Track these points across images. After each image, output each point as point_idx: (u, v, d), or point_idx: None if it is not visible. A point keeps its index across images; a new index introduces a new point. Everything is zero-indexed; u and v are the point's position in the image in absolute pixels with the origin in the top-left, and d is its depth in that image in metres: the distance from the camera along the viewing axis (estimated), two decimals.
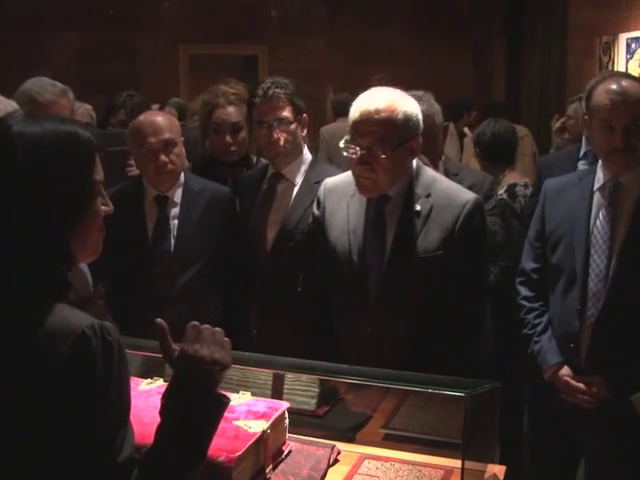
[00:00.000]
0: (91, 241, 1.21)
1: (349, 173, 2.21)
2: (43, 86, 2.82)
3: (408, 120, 2.00)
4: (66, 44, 7.38)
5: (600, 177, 2.23)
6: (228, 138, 2.92)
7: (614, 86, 2.13)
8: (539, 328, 2.30)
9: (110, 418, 1.10)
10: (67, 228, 1.14)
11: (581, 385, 2.20)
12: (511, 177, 3.30)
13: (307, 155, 2.62)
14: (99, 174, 1.21)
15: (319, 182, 2.49)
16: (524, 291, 2.36)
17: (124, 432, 1.11)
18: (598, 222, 2.19)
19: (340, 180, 2.24)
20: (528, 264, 2.36)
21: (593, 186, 2.23)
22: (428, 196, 2.08)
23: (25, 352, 1.08)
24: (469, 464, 1.62)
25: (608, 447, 2.24)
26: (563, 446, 2.36)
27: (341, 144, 2.05)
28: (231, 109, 2.92)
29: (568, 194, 2.29)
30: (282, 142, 2.48)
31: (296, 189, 2.56)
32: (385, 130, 1.97)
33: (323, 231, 2.20)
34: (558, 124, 4.18)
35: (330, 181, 2.27)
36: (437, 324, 2.06)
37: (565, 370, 2.24)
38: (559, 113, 4.38)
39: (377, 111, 1.97)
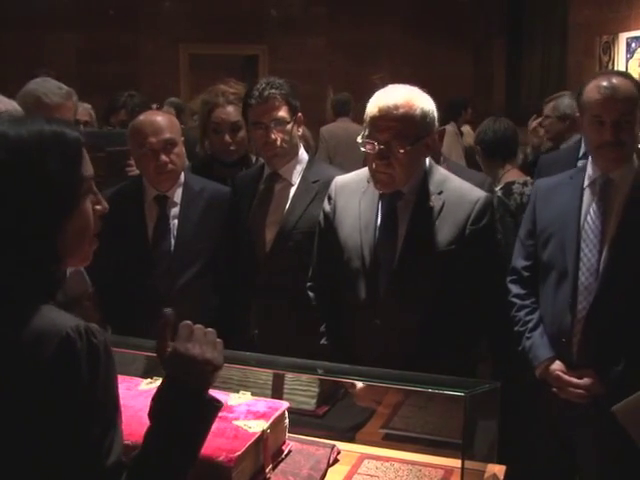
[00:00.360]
0: (82, 245, 1.19)
1: (360, 172, 2.26)
2: (50, 88, 2.81)
3: (425, 116, 2.04)
4: (66, 44, 7.39)
5: (590, 174, 2.25)
6: (227, 137, 2.92)
7: (604, 82, 2.17)
8: (530, 325, 2.30)
9: (97, 420, 1.08)
10: (55, 228, 1.13)
11: (573, 379, 2.20)
12: (511, 174, 3.33)
13: (303, 154, 2.60)
14: (88, 170, 1.19)
15: (317, 181, 2.50)
16: (515, 289, 2.37)
17: (112, 435, 1.09)
18: (589, 217, 2.21)
19: (351, 178, 2.28)
20: (519, 262, 2.38)
21: (584, 183, 2.26)
22: (440, 193, 2.11)
23: (10, 353, 1.07)
24: (469, 464, 1.62)
25: (599, 446, 2.24)
26: (557, 445, 2.36)
27: (358, 139, 2.08)
28: (230, 108, 2.92)
29: (559, 192, 2.31)
30: (279, 142, 2.47)
31: (294, 189, 2.55)
32: (403, 126, 2.00)
33: (334, 227, 2.23)
34: (534, 124, 4.19)
35: (341, 179, 2.30)
36: (446, 319, 2.08)
37: (557, 365, 2.24)
38: (536, 113, 4.40)
39: (396, 107, 2.00)
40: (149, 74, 7.52)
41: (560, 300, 2.23)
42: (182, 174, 2.62)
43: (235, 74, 4.27)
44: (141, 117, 2.59)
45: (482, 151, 3.49)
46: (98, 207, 1.21)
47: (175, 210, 2.58)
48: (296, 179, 2.55)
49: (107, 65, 7.37)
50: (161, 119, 2.55)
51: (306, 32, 7.94)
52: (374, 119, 2.03)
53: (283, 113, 2.47)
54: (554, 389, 2.24)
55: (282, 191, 2.56)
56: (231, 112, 2.92)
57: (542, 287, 2.30)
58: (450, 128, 6.39)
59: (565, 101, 3.95)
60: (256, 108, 2.47)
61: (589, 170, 2.25)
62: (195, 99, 3.21)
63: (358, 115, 6.40)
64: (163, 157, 2.49)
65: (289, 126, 2.49)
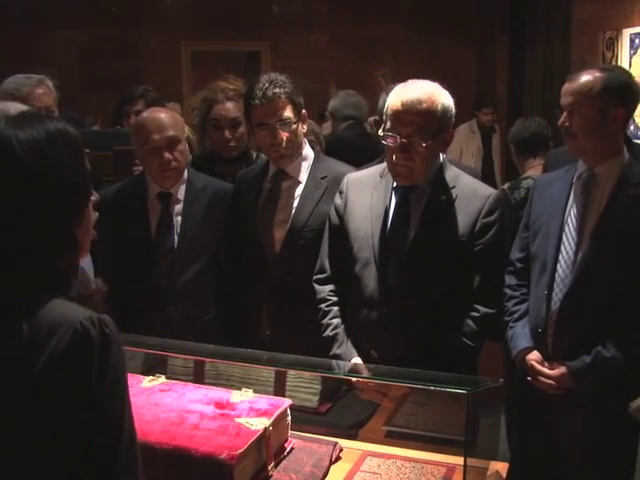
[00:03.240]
0: (88, 235, 1.22)
1: (371, 169, 2.33)
2: (18, 81, 2.87)
3: (446, 111, 2.08)
4: (69, 41, 7.37)
5: (579, 168, 2.28)
6: (227, 133, 2.92)
7: (574, 75, 2.21)
8: (516, 315, 2.33)
9: (110, 407, 1.09)
10: (76, 220, 1.16)
11: (545, 369, 2.22)
12: (534, 170, 3.45)
13: (309, 151, 2.57)
14: (88, 164, 1.23)
15: (325, 177, 2.49)
16: (508, 280, 2.38)
17: (125, 420, 1.11)
18: (572, 211, 2.24)
19: (363, 174, 2.34)
20: (514, 254, 2.40)
21: (574, 177, 2.29)
22: (453, 187, 2.17)
23: (24, 346, 1.08)
24: (471, 461, 1.62)
25: (581, 443, 2.25)
26: (544, 441, 2.37)
27: (380, 132, 2.12)
28: (229, 105, 2.92)
29: (553, 187, 2.35)
30: (285, 143, 2.43)
31: (301, 186, 2.51)
32: (426, 120, 2.05)
33: (345, 219, 2.26)
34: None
35: (353, 175, 2.34)
36: (453, 309, 2.11)
37: (533, 355, 2.26)
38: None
39: (419, 101, 2.04)
40: (151, 71, 7.50)
41: (539, 291, 2.26)
42: (185, 171, 2.62)
43: (237, 71, 4.27)
44: (145, 114, 2.59)
45: (515, 148, 3.65)
46: (92, 197, 1.24)
47: (178, 207, 2.58)
48: (303, 176, 2.52)
49: (109, 62, 7.35)
50: (164, 116, 2.54)
51: (308, 28, 7.91)
52: (397, 113, 2.06)
53: (288, 113, 2.42)
54: (529, 378, 2.26)
55: (289, 189, 2.52)
56: (230, 108, 2.92)
57: (531, 278, 2.34)
58: (465, 126, 6.47)
59: None
60: (260, 109, 2.41)
61: (579, 164, 2.29)
62: (195, 96, 3.21)
63: None
64: (166, 154, 2.49)
65: (294, 125, 2.45)
